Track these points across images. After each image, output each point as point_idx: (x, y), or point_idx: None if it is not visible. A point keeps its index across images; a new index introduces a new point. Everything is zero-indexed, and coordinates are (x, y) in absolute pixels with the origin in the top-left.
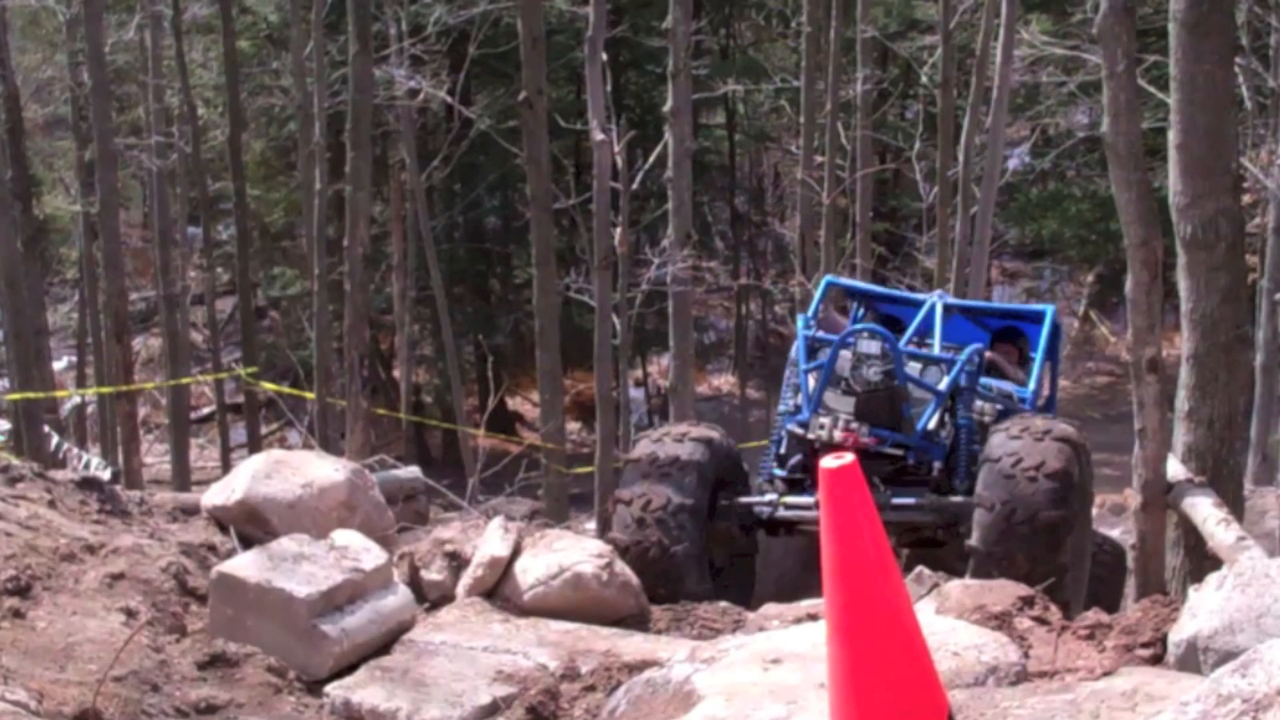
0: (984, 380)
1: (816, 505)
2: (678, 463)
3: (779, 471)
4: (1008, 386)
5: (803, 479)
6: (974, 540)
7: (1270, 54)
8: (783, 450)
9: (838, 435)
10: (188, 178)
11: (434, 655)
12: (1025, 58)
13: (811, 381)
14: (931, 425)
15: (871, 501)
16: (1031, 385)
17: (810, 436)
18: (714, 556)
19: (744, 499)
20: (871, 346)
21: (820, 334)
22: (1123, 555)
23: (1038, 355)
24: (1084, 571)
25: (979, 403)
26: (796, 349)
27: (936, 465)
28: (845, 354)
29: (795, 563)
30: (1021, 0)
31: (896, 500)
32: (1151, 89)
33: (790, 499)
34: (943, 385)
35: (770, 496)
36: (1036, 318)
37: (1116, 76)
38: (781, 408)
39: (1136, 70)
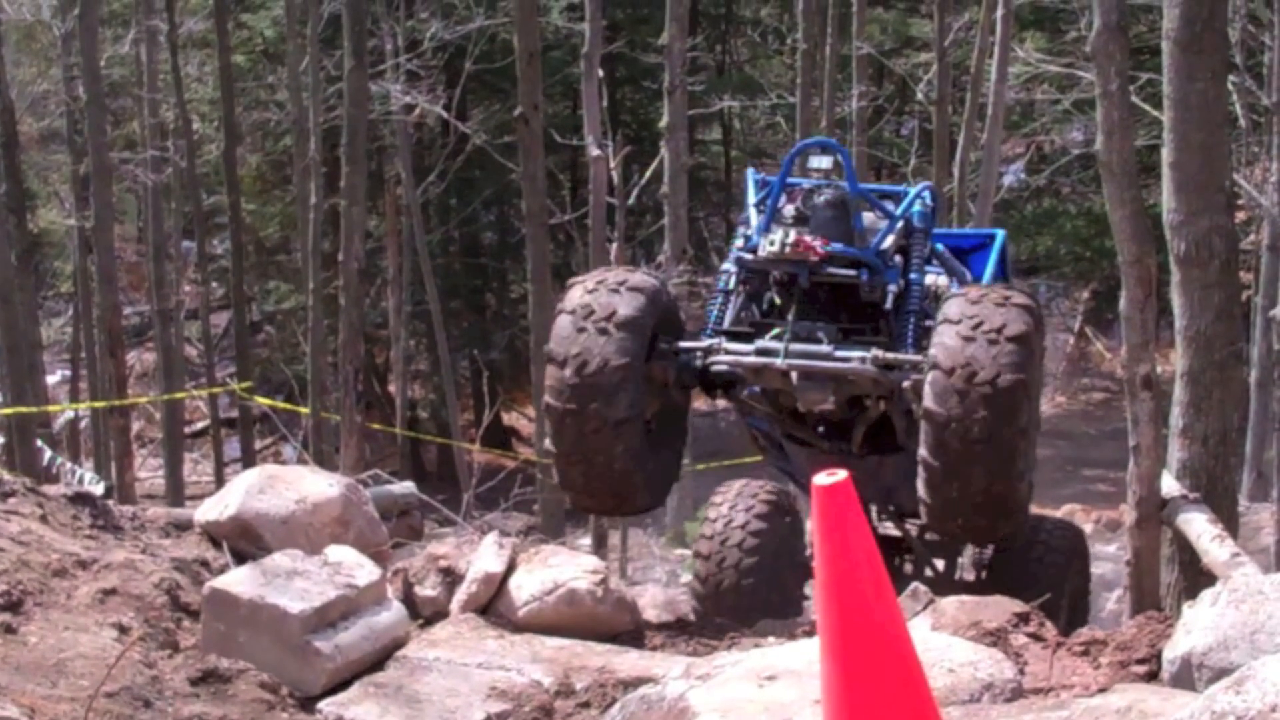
0: (939, 248)
1: (757, 353)
2: (615, 318)
3: (724, 327)
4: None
5: (749, 334)
6: (929, 402)
7: (1264, 71)
8: (730, 287)
9: (790, 238)
10: (183, 192)
11: (428, 672)
12: (1020, 75)
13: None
14: (885, 245)
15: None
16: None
17: (761, 255)
18: (645, 408)
19: (681, 343)
20: (823, 161)
21: (768, 177)
22: (1081, 536)
23: (989, 264)
24: (1035, 444)
25: (935, 276)
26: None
27: (891, 290)
28: (790, 208)
29: (782, 561)
30: (1016, 18)
31: (840, 352)
32: (1145, 106)
33: (729, 345)
34: (897, 211)
35: (708, 343)
36: (988, 240)
37: (1110, 94)
38: (725, 265)
39: (1130, 88)
